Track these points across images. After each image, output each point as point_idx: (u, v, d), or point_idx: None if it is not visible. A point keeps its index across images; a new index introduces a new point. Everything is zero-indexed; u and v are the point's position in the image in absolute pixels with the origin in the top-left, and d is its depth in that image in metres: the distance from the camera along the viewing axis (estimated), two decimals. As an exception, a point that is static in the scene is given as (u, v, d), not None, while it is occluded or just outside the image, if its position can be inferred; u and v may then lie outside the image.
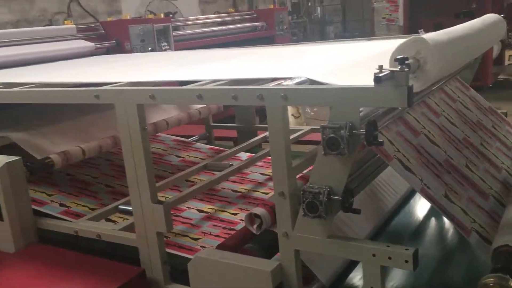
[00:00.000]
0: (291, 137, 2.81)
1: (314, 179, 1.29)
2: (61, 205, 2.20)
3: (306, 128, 3.02)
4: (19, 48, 3.26)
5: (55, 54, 3.41)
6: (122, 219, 2.09)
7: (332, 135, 1.19)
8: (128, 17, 4.25)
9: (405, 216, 2.14)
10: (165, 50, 4.49)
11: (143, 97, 1.54)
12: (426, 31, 3.33)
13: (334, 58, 2.10)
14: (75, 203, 2.21)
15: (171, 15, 7.49)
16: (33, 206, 2.07)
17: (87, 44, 3.68)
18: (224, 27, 5.73)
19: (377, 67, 1.11)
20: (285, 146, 1.33)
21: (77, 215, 2.09)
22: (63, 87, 1.87)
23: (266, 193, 2.30)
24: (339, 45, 2.68)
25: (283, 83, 1.37)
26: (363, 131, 1.18)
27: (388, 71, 1.11)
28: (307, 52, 2.52)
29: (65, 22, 4.48)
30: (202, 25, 5.80)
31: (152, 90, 1.52)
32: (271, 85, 1.41)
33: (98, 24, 4.00)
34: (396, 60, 1.10)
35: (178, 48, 4.66)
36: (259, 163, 2.65)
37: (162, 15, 5.84)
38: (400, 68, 1.10)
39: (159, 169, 2.68)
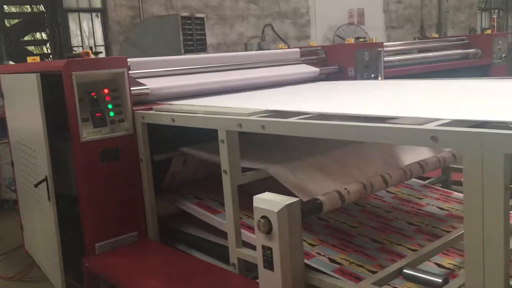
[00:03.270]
0: None
1: None
2: (331, 260, 1.88)
3: None
4: (252, 72, 3.13)
5: (284, 78, 3.23)
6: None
7: None
8: (350, 42, 3.95)
9: None
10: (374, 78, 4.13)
11: (522, 146, 1.12)
12: None
13: None
14: (347, 260, 1.87)
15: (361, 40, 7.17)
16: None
17: (312, 69, 3.45)
18: (434, 53, 5.19)
19: None
20: None
21: (356, 277, 1.74)
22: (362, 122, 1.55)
23: None
24: None
25: None
26: None
27: None
28: None
29: (280, 46, 4.37)
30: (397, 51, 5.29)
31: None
32: None
33: (319, 48, 3.76)
34: None
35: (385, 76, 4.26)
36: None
37: (352, 40, 5.52)
38: None
39: (425, 223, 2.24)
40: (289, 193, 1.81)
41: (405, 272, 1.69)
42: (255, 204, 1.72)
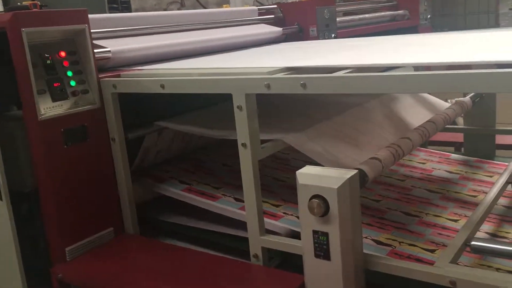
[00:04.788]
0: None
1: None
2: (377, 242, 1.62)
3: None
4: (219, 32, 2.73)
5: (251, 39, 2.87)
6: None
7: None
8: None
9: None
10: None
11: None
12: None
13: None
14: (394, 240, 1.63)
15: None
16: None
17: (275, 29, 3.12)
18: (370, 15, 5.09)
19: None
20: None
21: (416, 259, 1.51)
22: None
23: None
24: None
25: None
26: None
27: None
28: None
29: (224, 6, 3.96)
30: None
31: None
32: None
33: (275, 6, 3.43)
34: None
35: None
36: None
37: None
38: None
39: (446, 189, 2.07)
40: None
41: (474, 245, 1.48)
42: (301, 181, 1.40)
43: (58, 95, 1.79)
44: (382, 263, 1.42)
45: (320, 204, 1.35)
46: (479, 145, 2.68)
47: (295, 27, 3.29)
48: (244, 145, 1.58)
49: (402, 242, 1.61)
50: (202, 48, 2.51)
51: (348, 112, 2.07)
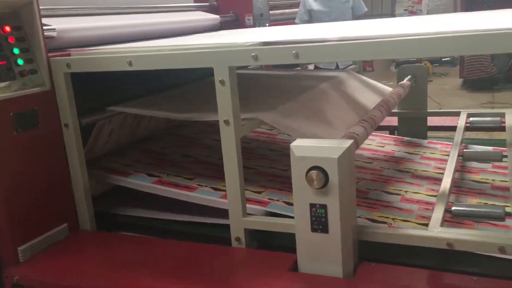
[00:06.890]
0: None
1: None
2: (372, 220, 1.63)
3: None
4: (158, 16, 2.59)
5: (192, 25, 2.77)
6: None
7: None
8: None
9: None
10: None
11: None
12: None
13: None
14: (386, 217, 1.64)
15: None
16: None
17: (213, 17, 3.05)
18: (287, 10, 5.20)
19: None
20: None
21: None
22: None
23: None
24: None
25: None
26: None
27: None
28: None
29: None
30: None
31: None
32: None
33: (209, -6, 3.35)
34: None
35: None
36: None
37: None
38: None
39: (414, 169, 2.14)
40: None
41: (455, 210, 1.54)
42: (298, 153, 1.36)
43: (5, 75, 1.58)
44: (379, 232, 1.42)
45: (319, 175, 1.32)
46: (412, 127, 2.82)
47: (231, 15, 3.25)
48: (226, 122, 1.50)
49: (395, 219, 1.63)
50: (147, 32, 2.37)
51: (308, 93, 2.06)
